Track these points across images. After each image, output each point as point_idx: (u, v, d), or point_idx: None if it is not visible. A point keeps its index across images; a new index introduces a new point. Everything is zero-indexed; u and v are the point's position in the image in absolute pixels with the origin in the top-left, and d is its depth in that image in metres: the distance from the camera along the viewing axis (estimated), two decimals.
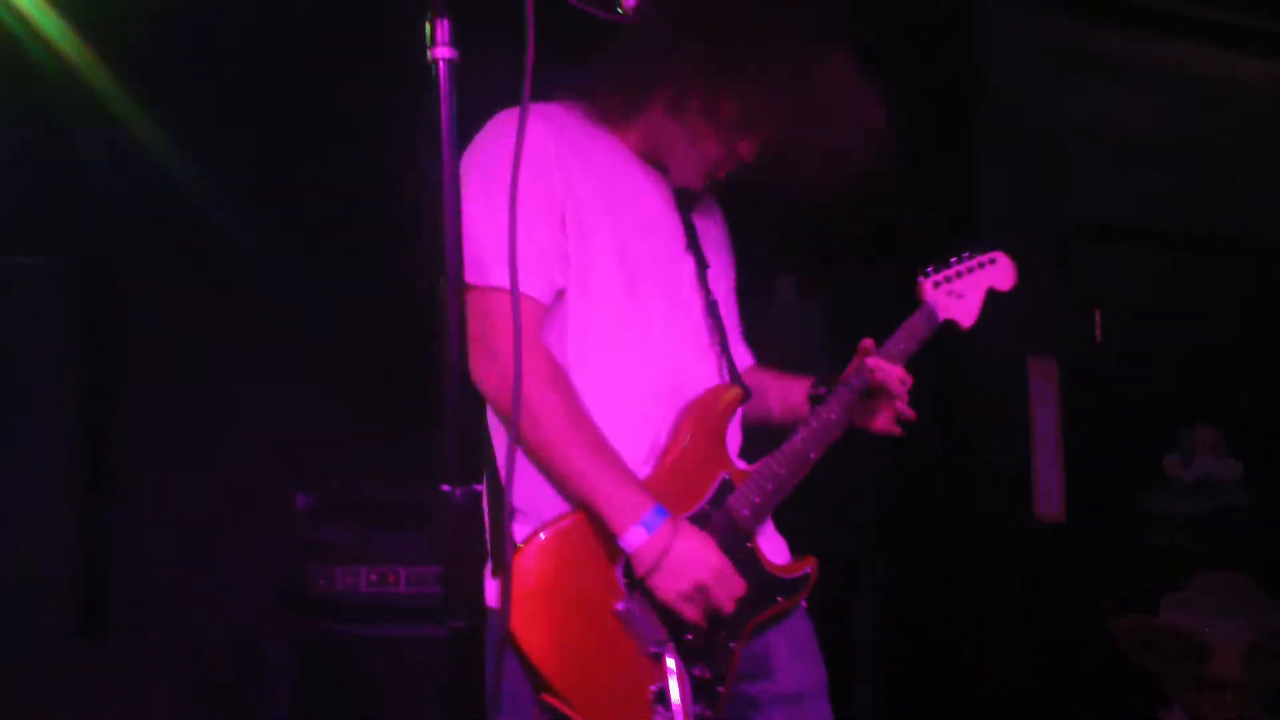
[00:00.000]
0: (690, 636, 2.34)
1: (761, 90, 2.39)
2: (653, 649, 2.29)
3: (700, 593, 2.30)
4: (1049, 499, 5.18)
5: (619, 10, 2.00)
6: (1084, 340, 5.42)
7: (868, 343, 2.55)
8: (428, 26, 1.70)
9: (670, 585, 2.28)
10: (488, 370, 2.26)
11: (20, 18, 4.83)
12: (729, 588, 2.33)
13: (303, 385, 4.68)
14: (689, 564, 2.29)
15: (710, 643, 2.36)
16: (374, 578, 4.24)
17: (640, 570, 2.28)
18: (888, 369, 2.51)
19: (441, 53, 1.70)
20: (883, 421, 2.58)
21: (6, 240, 4.65)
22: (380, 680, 4.10)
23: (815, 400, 2.56)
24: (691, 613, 2.30)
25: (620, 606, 2.29)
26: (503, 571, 2.23)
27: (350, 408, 4.63)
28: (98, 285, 4.73)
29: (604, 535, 2.29)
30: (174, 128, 4.75)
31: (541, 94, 2.34)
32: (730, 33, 2.37)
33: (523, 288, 2.31)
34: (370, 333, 4.56)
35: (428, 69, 1.71)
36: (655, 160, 2.53)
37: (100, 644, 4.44)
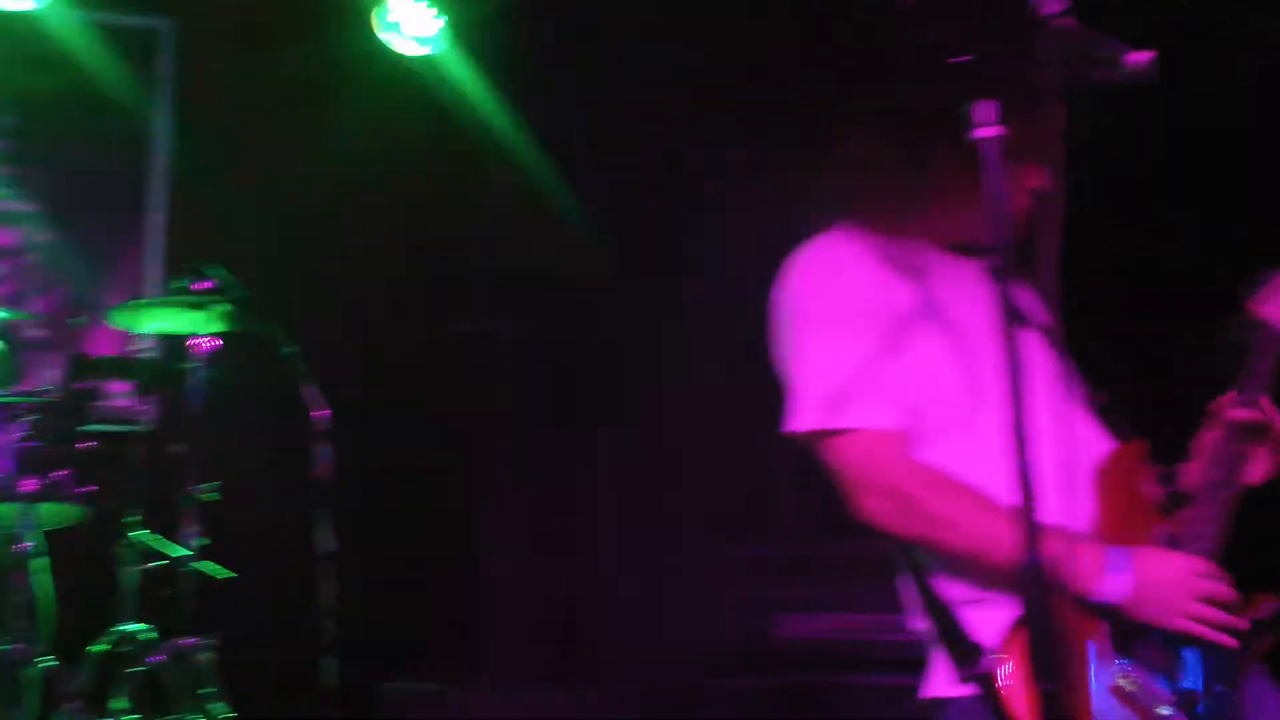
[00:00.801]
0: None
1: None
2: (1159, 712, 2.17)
3: (1205, 598, 2.18)
4: None
5: (1119, 71, 1.92)
6: None
7: (1226, 400, 2.38)
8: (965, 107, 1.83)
9: (1174, 602, 2.17)
10: (874, 505, 2.23)
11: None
12: (1221, 585, 2.21)
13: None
14: (1177, 572, 2.19)
15: (1219, 676, 2.22)
16: (834, 626, 4.36)
17: (1139, 611, 2.16)
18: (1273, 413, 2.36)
19: (986, 132, 1.84)
20: (1261, 471, 2.41)
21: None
22: None
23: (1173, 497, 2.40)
24: (1203, 628, 2.18)
25: (1120, 680, 2.16)
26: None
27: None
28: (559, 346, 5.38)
29: (1070, 615, 2.15)
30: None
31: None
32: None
33: (881, 421, 2.24)
34: None
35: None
36: (959, 243, 2.42)
37: (572, 687, 4.60)
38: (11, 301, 4.34)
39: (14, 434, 3.78)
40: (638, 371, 5.65)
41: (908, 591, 2.34)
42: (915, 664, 4.27)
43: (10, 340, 4.34)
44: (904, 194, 2.39)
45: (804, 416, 2.29)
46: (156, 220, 5.77)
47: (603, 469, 5.75)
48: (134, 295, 5.47)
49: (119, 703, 3.96)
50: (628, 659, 5.33)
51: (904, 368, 2.28)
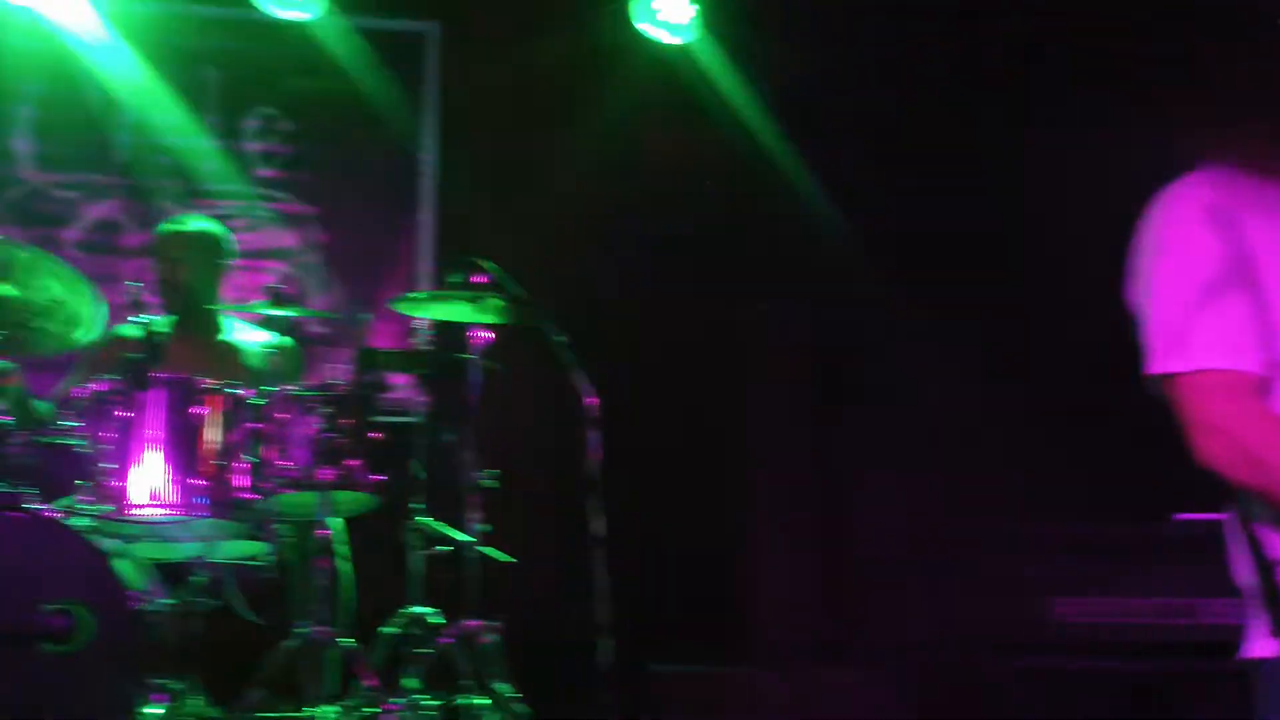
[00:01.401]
0: None
1: None
2: None
3: None
4: None
5: None
6: None
7: None
8: None
9: None
10: (1210, 446, 2.22)
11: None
12: None
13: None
14: None
15: None
16: (1104, 610, 4.36)
17: None
18: None
19: None
20: None
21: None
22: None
23: None
24: None
25: None
26: None
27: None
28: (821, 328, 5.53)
29: None
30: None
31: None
32: None
33: (1228, 363, 2.23)
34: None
35: None
36: None
37: (840, 667, 4.76)
38: (295, 300, 4.54)
39: (310, 426, 3.98)
40: (901, 352, 5.61)
41: (1235, 542, 2.28)
42: (1189, 649, 4.16)
43: (297, 336, 4.56)
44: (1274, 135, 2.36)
45: (1155, 359, 2.28)
46: (426, 218, 5.98)
47: (868, 447, 5.71)
48: (408, 291, 5.67)
49: (410, 682, 4.12)
50: (893, 638, 5.29)
51: (1259, 313, 2.24)
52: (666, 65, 5.86)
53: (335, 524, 4.03)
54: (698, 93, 5.85)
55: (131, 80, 5.76)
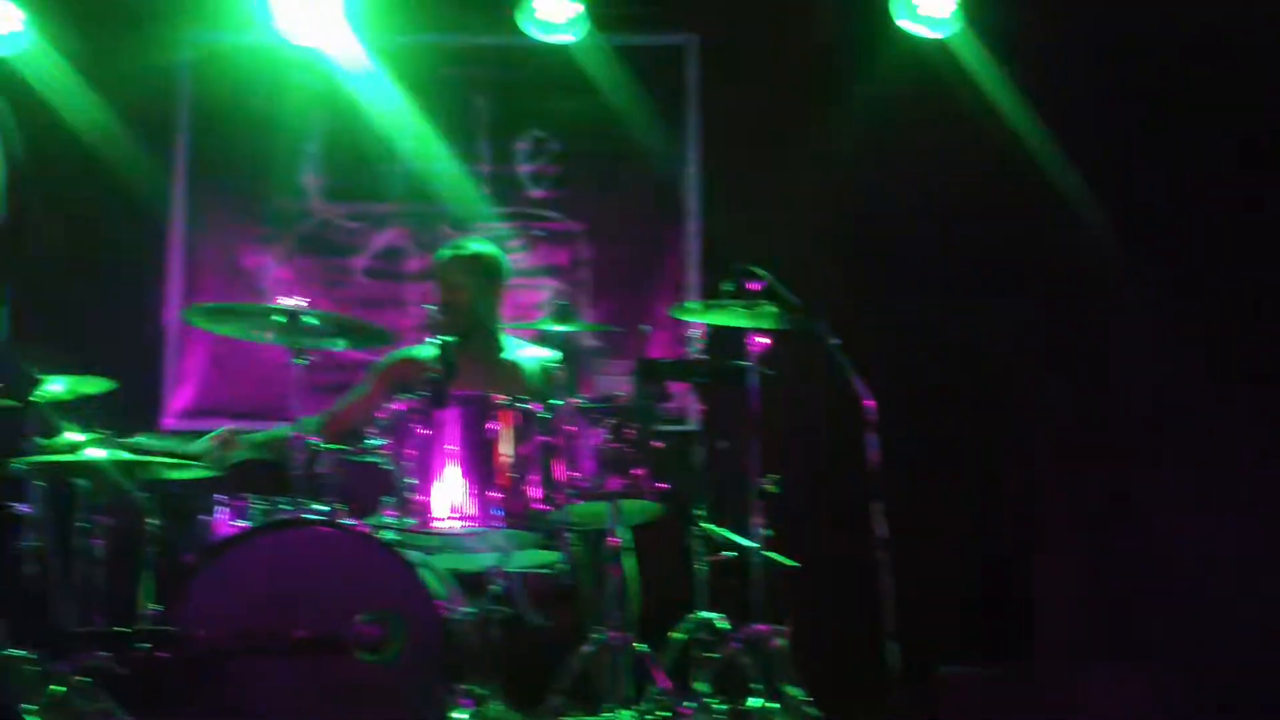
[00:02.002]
0: None
1: None
2: None
3: None
4: None
5: None
6: None
7: None
8: None
9: None
10: None
11: None
12: None
13: None
14: None
15: None
16: None
17: None
18: None
19: None
20: None
21: None
22: None
23: None
24: None
25: None
26: None
27: None
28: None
29: None
30: None
31: None
32: None
33: None
34: None
35: None
36: None
37: (1129, 665, 4.81)
38: (568, 315, 4.67)
39: (596, 437, 4.09)
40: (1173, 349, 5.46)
41: None
42: None
43: (571, 351, 4.68)
44: None
45: None
46: (691, 227, 6.07)
47: (1150, 444, 5.55)
48: (676, 301, 5.77)
49: (701, 686, 4.19)
50: (1183, 637, 5.12)
51: None
52: (925, 62, 5.80)
53: (623, 532, 4.13)
54: (958, 90, 5.77)
55: (404, 111, 6.02)
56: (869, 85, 5.81)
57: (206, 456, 4.62)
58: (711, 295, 4.83)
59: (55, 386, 4.63)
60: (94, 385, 4.53)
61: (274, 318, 4.17)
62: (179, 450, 4.49)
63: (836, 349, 4.45)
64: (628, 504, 4.11)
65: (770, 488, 4.36)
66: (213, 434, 4.70)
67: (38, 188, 3.53)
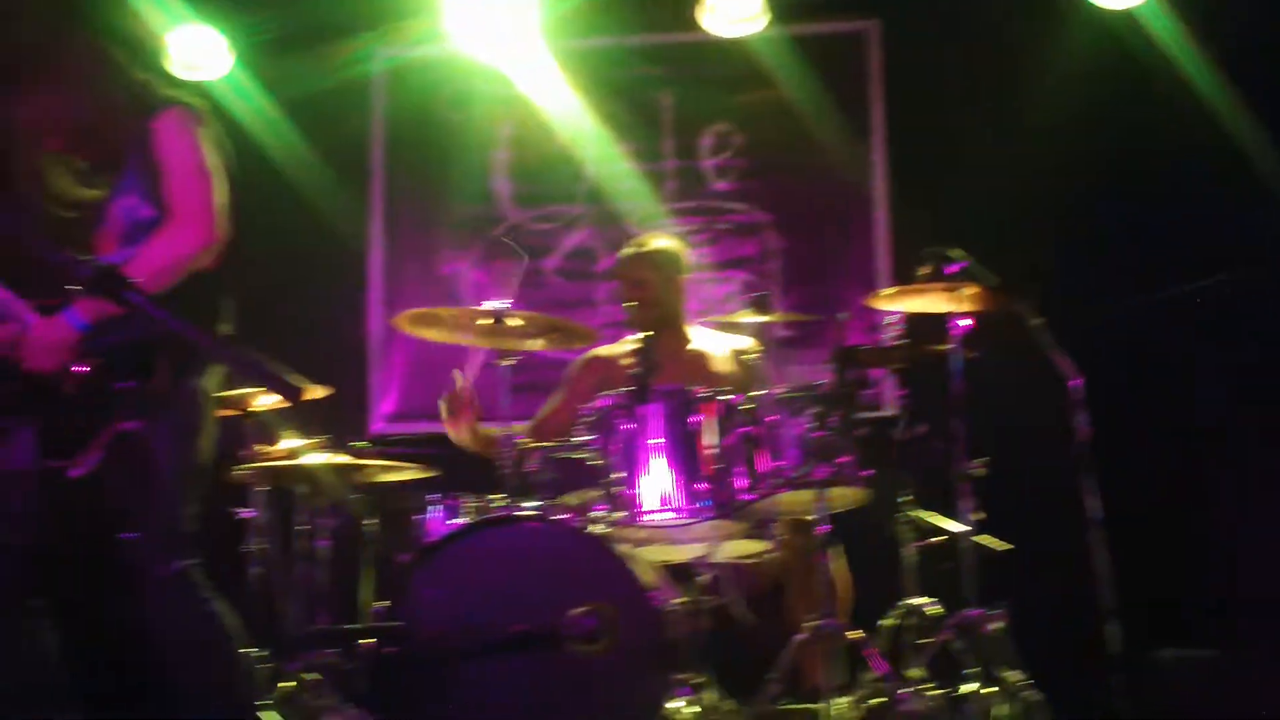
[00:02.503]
0: None
1: None
2: None
3: None
4: None
5: None
6: None
7: None
8: None
9: None
10: None
11: None
12: None
13: None
14: None
15: None
16: None
17: None
18: None
19: None
20: None
21: None
22: None
23: None
24: None
25: None
26: None
27: None
28: None
29: None
30: None
31: None
32: None
33: None
34: None
35: None
36: None
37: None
38: (765, 305, 4.68)
39: (799, 426, 4.10)
40: None
41: None
42: None
43: (766, 340, 4.70)
44: None
45: None
46: (880, 214, 6.03)
47: None
48: (868, 288, 5.74)
49: (915, 672, 4.16)
50: None
51: None
52: (1114, 34, 5.66)
53: (829, 520, 4.12)
54: (1149, 62, 5.61)
55: (588, 113, 6.11)
56: (1057, 60, 5.69)
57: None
58: (904, 280, 4.80)
59: (272, 396, 4.84)
60: (308, 393, 4.70)
61: (479, 321, 4.27)
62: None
63: (1040, 328, 4.38)
64: (834, 491, 4.11)
65: (978, 471, 4.32)
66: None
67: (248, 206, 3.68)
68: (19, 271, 3.51)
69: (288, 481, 4.82)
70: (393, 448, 5.21)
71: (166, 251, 3.35)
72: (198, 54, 5.95)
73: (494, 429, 4.52)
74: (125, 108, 3.51)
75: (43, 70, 3.53)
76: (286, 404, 2.27)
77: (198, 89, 5.64)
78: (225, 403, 4.46)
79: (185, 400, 3.38)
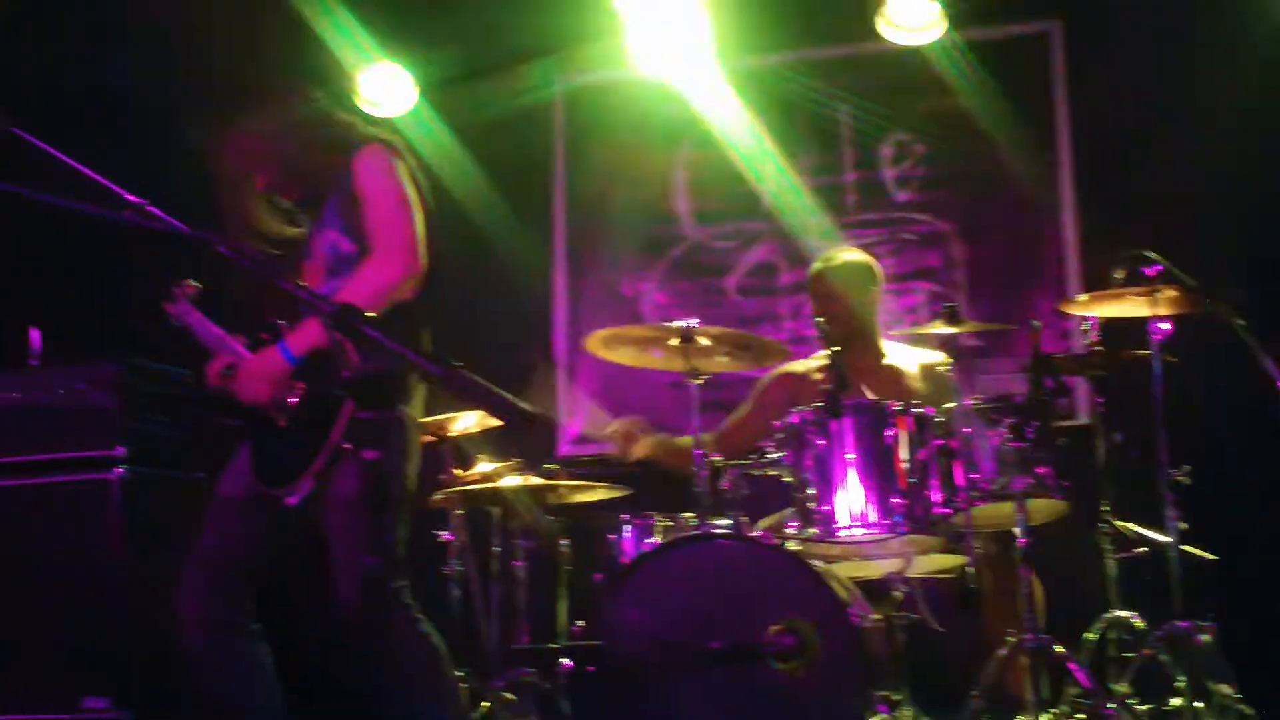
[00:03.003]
0: None
1: None
2: None
3: None
4: None
5: None
6: None
7: None
8: None
9: None
10: None
11: None
12: None
13: None
14: None
15: None
16: None
17: None
18: None
19: None
20: None
21: None
22: None
23: None
24: None
25: None
26: None
27: None
28: None
29: None
30: None
31: None
32: None
33: None
34: None
35: None
36: None
37: None
38: (956, 316, 4.61)
39: (995, 437, 4.04)
40: None
41: None
42: None
43: (955, 352, 4.63)
44: None
45: None
46: (1068, 217, 5.91)
47: None
48: (1058, 294, 5.63)
49: (1120, 686, 4.06)
50: None
51: None
52: None
53: (1028, 532, 4.05)
54: None
55: (764, 129, 6.12)
56: (1246, 55, 5.51)
57: (610, 441, 4.80)
58: (1094, 285, 4.70)
59: (467, 421, 4.95)
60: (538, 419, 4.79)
61: (668, 340, 4.31)
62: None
63: (1243, 329, 4.25)
64: (1032, 503, 4.04)
65: (1182, 479, 4.20)
66: (615, 424, 4.88)
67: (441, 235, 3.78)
68: (229, 307, 3.68)
69: (484, 504, 4.93)
70: (582, 468, 5.29)
71: (371, 283, 3.47)
72: (384, 90, 6.12)
73: (685, 439, 4.56)
74: (329, 147, 3.65)
75: (251, 113, 3.70)
76: (519, 430, 2.33)
77: (391, 125, 5.82)
78: (424, 428, 4.57)
79: (402, 427, 3.50)
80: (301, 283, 2.56)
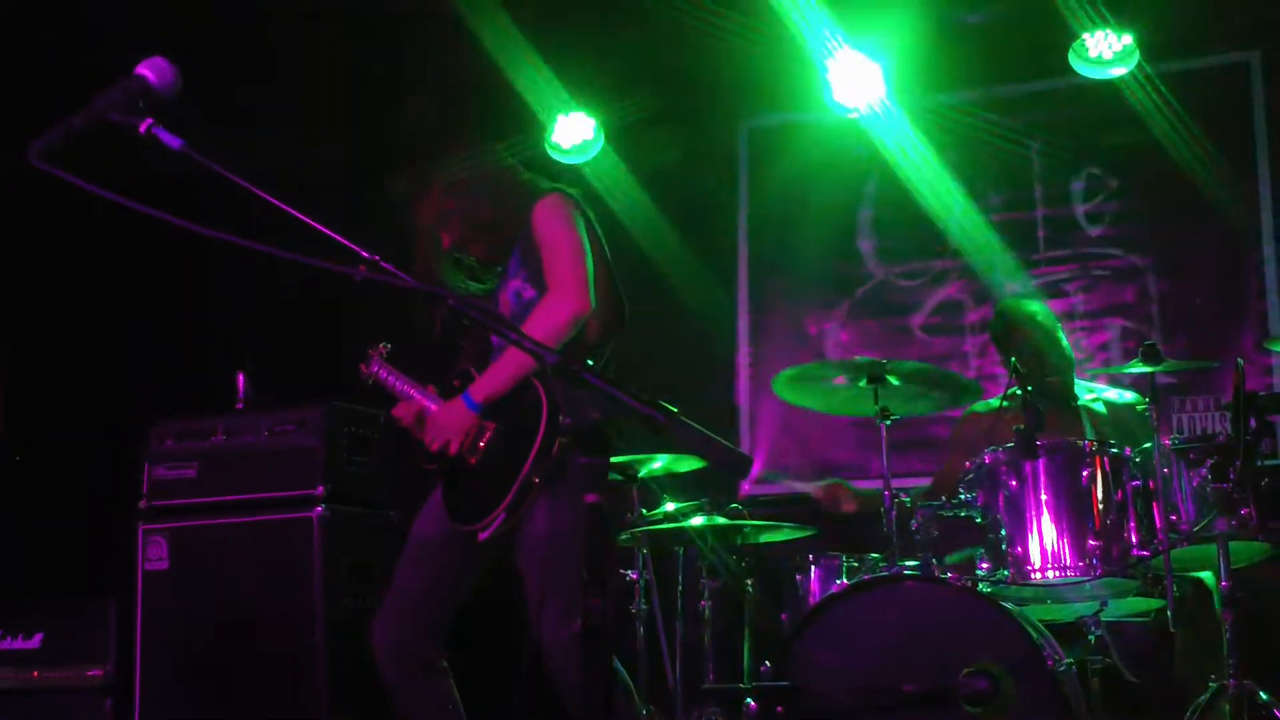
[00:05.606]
0: None
1: None
2: None
3: None
4: None
5: None
6: None
7: None
8: None
9: None
10: None
11: None
12: None
13: None
14: None
15: None
16: None
17: None
18: None
19: None
20: None
21: None
22: None
23: None
24: None
25: None
26: None
27: None
28: None
29: None
30: None
31: None
32: None
33: None
34: None
35: None
36: None
37: None
38: (1156, 354, 4.48)
39: (1195, 478, 3.92)
40: None
41: None
42: None
43: (1149, 389, 4.51)
44: None
45: None
46: (1270, 250, 5.71)
47: None
48: (1261, 331, 5.45)
49: None
50: None
51: None
52: None
53: (1229, 575, 3.90)
54: None
55: (951, 166, 6.06)
56: None
57: (818, 502, 4.84)
58: None
59: (655, 464, 4.99)
60: (687, 463, 4.84)
61: (857, 379, 4.28)
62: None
63: None
64: (1235, 545, 3.90)
65: None
66: (820, 483, 4.89)
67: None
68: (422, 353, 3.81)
69: (669, 544, 4.95)
70: (767, 508, 5.28)
71: (542, 323, 3.55)
72: (572, 136, 6.23)
73: (873, 489, 4.53)
74: (511, 202, 3.77)
75: (442, 174, 3.83)
76: (734, 472, 2.37)
77: (574, 175, 5.94)
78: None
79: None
80: (520, 332, 2.63)
